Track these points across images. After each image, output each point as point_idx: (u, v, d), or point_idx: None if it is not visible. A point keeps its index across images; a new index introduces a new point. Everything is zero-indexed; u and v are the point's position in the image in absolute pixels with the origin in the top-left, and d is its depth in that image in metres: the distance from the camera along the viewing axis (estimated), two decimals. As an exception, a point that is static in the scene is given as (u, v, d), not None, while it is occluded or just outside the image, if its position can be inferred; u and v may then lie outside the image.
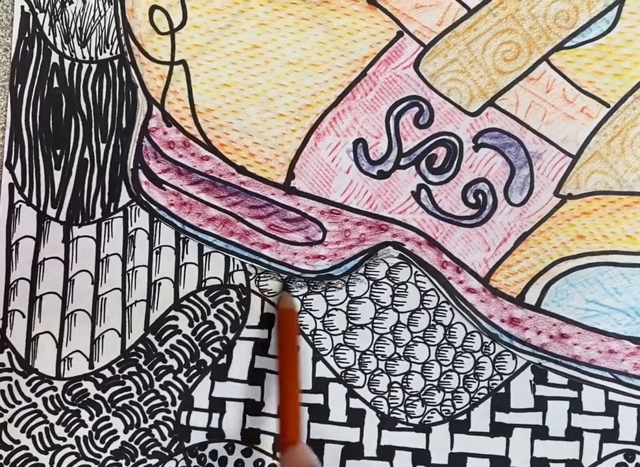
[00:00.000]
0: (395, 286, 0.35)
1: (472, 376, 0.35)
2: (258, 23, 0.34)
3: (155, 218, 0.35)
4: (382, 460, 0.36)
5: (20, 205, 0.36)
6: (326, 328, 0.36)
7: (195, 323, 0.36)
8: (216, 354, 0.36)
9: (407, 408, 0.36)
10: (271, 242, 0.35)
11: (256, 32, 0.34)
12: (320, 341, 0.36)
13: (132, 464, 0.36)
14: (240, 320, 0.36)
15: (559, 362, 0.35)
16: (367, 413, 0.36)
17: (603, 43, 0.34)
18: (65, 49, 0.35)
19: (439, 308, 0.35)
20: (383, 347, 0.36)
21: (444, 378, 0.36)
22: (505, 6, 0.34)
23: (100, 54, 0.35)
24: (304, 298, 0.36)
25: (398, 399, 0.36)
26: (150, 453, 0.36)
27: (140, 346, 0.36)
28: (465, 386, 0.35)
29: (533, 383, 0.35)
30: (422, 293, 0.35)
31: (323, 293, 0.36)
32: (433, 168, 0.35)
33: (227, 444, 0.36)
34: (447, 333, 0.35)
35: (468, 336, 0.35)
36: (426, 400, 0.36)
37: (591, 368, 0.35)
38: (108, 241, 0.36)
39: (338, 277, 0.35)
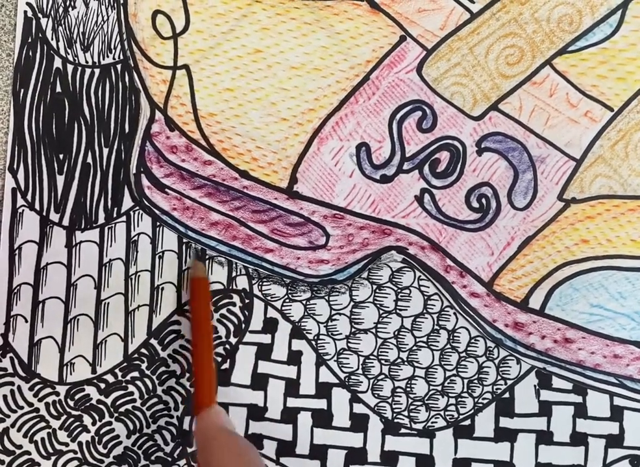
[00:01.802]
0: (399, 290, 0.35)
1: (476, 381, 0.35)
2: (261, 28, 0.34)
3: (158, 223, 0.35)
4: (386, 466, 0.36)
5: (23, 210, 0.36)
6: (329, 333, 0.36)
7: (198, 328, 0.36)
8: (219, 359, 0.36)
9: (411, 414, 0.35)
10: (274, 246, 0.35)
11: (259, 37, 0.34)
12: (323, 346, 0.36)
13: (134, 469, 0.36)
14: (243, 325, 0.36)
15: (563, 367, 0.35)
16: (370, 418, 0.36)
17: (607, 46, 0.34)
18: (68, 54, 0.35)
19: (442, 312, 0.35)
20: (387, 352, 0.36)
21: (448, 383, 0.35)
22: (509, 10, 0.34)
23: (103, 59, 0.35)
24: (308, 303, 0.36)
25: (401, 404, 0.36)
26: (153, 458, 0.36)
27: (143, 350, 0.36)
28: (469, 391, 0.35)
29: (537, 387, 0.35)
30: (425, 298, 0.35)
31: (326, 298, 0.36)
32: (437, 172, 0.35)
33: (230, 449, 0.36)
34: (451, 337, 0.35)
35: (472, 341, 0.35)
36: (430, 405, 0.35)
37: (596, 373, 0.35)
38: (110, 246, 0.36)
39: (341, 282, 0.35)
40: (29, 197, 0.36)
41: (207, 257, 0.35)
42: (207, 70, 0.34)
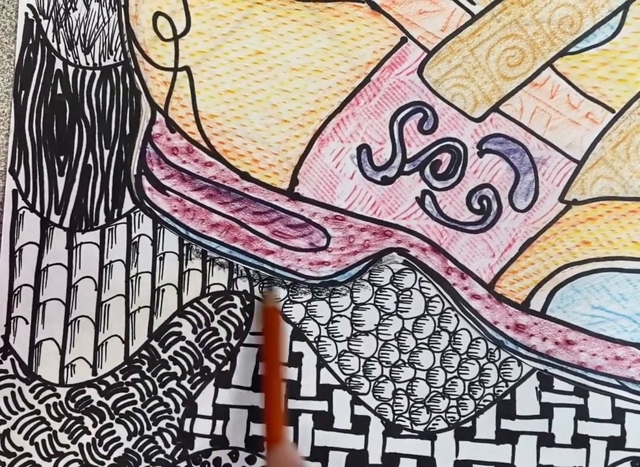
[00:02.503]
0: (400, 292, 0.35)
1: (477, 383, 0.35)
2: (262, 29, 0.34)
3: (159, 224, 0.35)
4: (387, 468, 0.36)
5: (24, 212, 0.36)
6: (330, 334, 0.36)
7: (199, 330, 0.36)
8: (220, 361, 0.36)
9: (412, 416, 0.35)
10: (275, 248, 0.35)
11: (260, 39, 0.34)
12: (324, 348, 0.36)
13: (135, 471, 0.36)
14: (244, 327, 0.36)
15: (565, 369, 0.35)
16: (371, 420, 0.36)
17: (608, 48, 0.34)
18: (69, 56, 0.35)
19: (443, 314, 0.35)
20: (388, 354, 0.36)
21: (450, 385, 0.35)
22: (509, 12, 0.34)
23: (104, 61, 0.35)
24: (308, 304, 0.36)
25: (403, 406, 0.35)
26: (153, 460, 0.36)
27: (144, 352, 0.36)
28: (470, 393, 0.35)
29: (538, 389, 0.35)
30: (426, 299, 0.35)
31: (327, 299, 0.35)
32: (438, 174, 0.35)
33: (231, 451, 0.36)
34: (452, 339, 0.35)
35: (474, 342, 0.35)
36: (431, 407, 0.35)
37: (597, 375, 0.35)
38: (111, 247, 0.36)
39: (342, 284, 0.35)
40: (30, 199, 0.36)
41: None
42: (208, 71, 0.34)
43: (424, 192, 0.35)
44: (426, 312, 0.35)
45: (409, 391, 0.35)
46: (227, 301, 0.36)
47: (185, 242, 0.35)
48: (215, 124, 0.35)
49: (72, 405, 0.36)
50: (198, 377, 0.36)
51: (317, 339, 0.36)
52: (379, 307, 0.35)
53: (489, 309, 0.35)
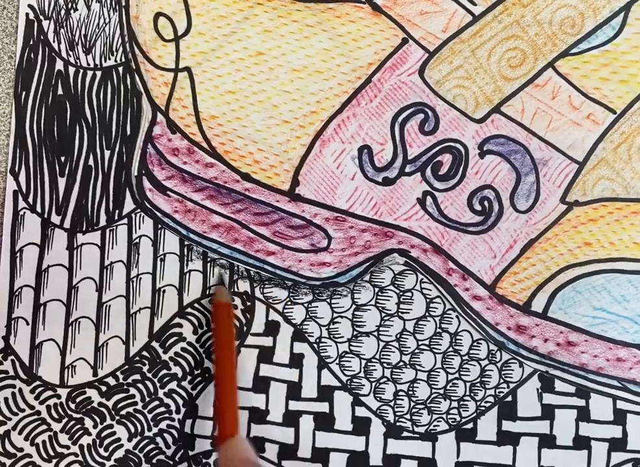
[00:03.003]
0: (401, 293, 0.35)
1: (478, 384, 0.35)
2: (263, 30, 0.34)
3: (159, 225, 0.35)
4: (388, 469, 0.36)
5: (24, 213, 0.36)
6: (331, 336, 0.36)
7: (200, 331, 0.36)
8: (220, 362, 0.35)
9: (413, 417, 0.35)
10: (276, 249, 0.35)
11: (261, 39, 0.34)
12: (325, 349, 0.35)
13: (136, 472, 0.36)
14: (245, 328, 0.36)
15: (566, 370, 0.35)
16: (372, 421, 0.35)
17: (609, 49, 0.34)
18: (70, 56, 0.35)
19: (445, 315, 0.35)
20: (389, 355, 0.35)
21: (451, 386, 0.35)
22: (511, 13, 0.34)
23: (105, 61, 0.35)
24: (309, 306, 0.35)
25: (404, 407, 0.35)
26: (154, 461, 0.36)
27: (144, 353, 0.35)
28: (472, 394, 0.35)
29: (540, 391, 0.35)
30: (428, 300, 0.35)
31: (328, 300, 0.35)
32: (439, 175, 0.35)
33: (232, 453, 0.36)
34: (453, 340, 0.35)
35: (475, 344, 0.35)
36: (432, 408, 0.35)
37: (599, 376, 0.35)
38: (112, 248, 0.35)
39: (343, 285, 0.35)
40: (30, 199, 0.36)
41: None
42: (209, 72, 0.34)
43: (426, 193, 0.35)
44: (427, 314, 0.35)
45: (410, 392, 0.35)
46: (228, 302, 0.36)
47: (186, 243, 0.35)
48: (216, 124, 0.35)
49: (72, 405, 0.36)
50: (199, 378, 0.36)
51: (318, 340, 0.36)
52: (380, 308, 0.35)
53: (490, 310, 0.35)
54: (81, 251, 0.36)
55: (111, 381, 0.36)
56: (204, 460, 0.36)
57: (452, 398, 0.35)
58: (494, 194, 0.35)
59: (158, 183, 0.35)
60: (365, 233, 0.35)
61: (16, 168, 0.36)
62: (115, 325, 0.35)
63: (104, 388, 0.36)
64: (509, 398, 0.35)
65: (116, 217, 0.35)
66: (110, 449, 0.36)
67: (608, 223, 0.34)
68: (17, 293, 0.36)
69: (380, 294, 0.35)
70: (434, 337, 0.35)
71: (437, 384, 0.35)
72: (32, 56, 0.35)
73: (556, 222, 0.34)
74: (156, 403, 0.36)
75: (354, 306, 0.35)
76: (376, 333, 0.35)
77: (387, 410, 0.35)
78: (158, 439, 0.36)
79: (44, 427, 0.36)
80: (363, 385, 0.35)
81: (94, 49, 0.35)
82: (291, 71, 0.34)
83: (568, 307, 0.35)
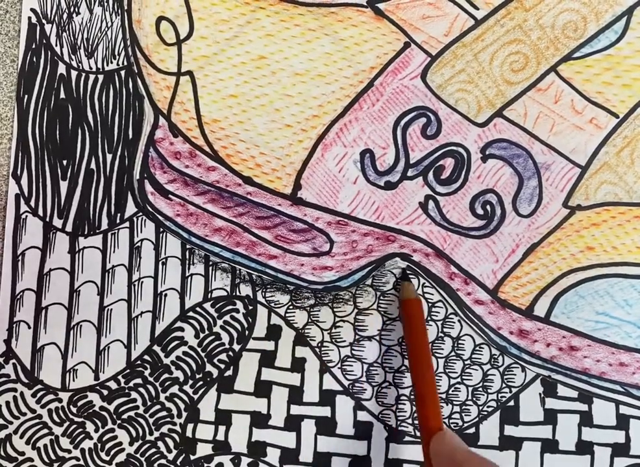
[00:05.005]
0: (403, 297, 0.35)
1: (480, 389, 0.35)
2: (265, 34, 0.34)
3: (161, 229, 0.35)
4: (390, 474, 0.35)
5: (26, 216, 0.36)
6: (333, 340, 0.35)
7: (201, 335, 0.36)
8: (222, 366, 0.35)
9: (415, 422, 0.35)
10: (278, 253, 0.35)
11: (263, 43, 0.34)
12: (327, 353, 0.35)
13: (137, 476, 0.36)
14: (246, 332, 0.35)
15: (568, 375, 0.35)
16: (374, 426, 0.35)
17: (612, 53, 0.33)
18: (72, 60, 0.35)
19: (447, 320, 0.35)
20: (391, 360, 0.35)
21: (453, 391, 0.35)
22: (513, 17, 0.34)
23: (107, 65, 0.35)
24: (311, 310, 0.35)
25: (406, 412, 0.35)
26: (155, 465, 0.36)
27: (146, 357, 0.35)
28: (474, 398, 0.35)
29: (542, 395, 0.35)
30: (430, 305, 0.35)
31: (330, 304, 0.35)
32: (441, 179, 0.34)
33: (233, 457, 0.35)
34: (455, 345, 0.35)
35: (477, 348, 0.35)
36: (435, 413, 0.35)
37: (602, 381, 0.35)
38: (114, 252, 0.35)
39: (345, 289, 0.35)
40: (32, 203, 0.36)
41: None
42: (211, 76, 0.34)
43: (428, 198, 0.35)
44: (429, 318, 0.35)
45: (413, 397, 0.35)
46: (230, 306, 0.35)
47: (187, 246, 0.35)
48: (218, 128, 0.35)
49: (74, 409, 0.36)
50: (201, 382, 0.35)
51: (320, 344, 0.35)
52: (382, 312, 0.35)
53: (492, 315, 0.35)
54: (83, 255, 0.36)
55: (113, 385, 0.36)
56: (205, 465, 0.36)
57: (454, 403, 0.35)
58: (496, 198, 0.34)
59: (159, 187, 0.35)
60: (367, 237, 0.35)
61: (18, 172, 0.36)
62: (117, 329, 0.35)
63: (105, 392, 0.36)
64: (512, 403, 0.35)
65: (118, 221, 0.35)
66: (112, 453, 0.36)
67: (611, 227, 0.34)
68: (18, 297, 0.36)
69: (382, 298, 0.35)
70: (436, 341, 0.35)
71: (439, 389, 0.35)
72: (34, 59, 0.35)
73: (559, 226, 0.34)
74: (158, 407, 0.36)
75: (355, 310, 0.35)
76: (378, 337, 0.35)
77: (389, 414, 0.35)
78: (160, 443, 0.36)
79: (45, 430, 0.36)
80: (365, 389, 0.35)
81: (96, 53, 0.35)
82: (294, 75, 0.34)
83: (571, 312, 0.35)
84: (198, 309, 0.36)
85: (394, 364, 0.35)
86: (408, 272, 0.34)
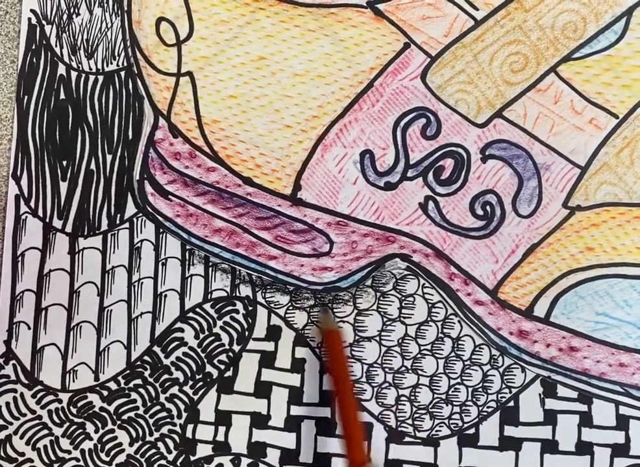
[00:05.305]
0: (403, 298, 0.35)
1: (480, 389, 0.35)
2: (265, 35, 0.34)
3: (161, 230, 0.35)
4: (390, 474, 0.35)
5: (26, 217, 0.36)
6: (333, 340, 0.35)
7: (201, 336, 0.36)
8: (222, 366, 0.35)
9: (415, 422, 0.35)
10: (278, 253, 0.35)
11: (263, 44, 0.34)
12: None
13: (137, 477, 0.36)
14: (246, 332, 0.35)
15: (568, 376, 0.35)
16: (374, 426, 0.35)
17: (612, 54, 0.33)
18: (72, 61, 0.35)
19: (447, 320, 0.35)
20: (391, 360, 0.35)
21: (453, 391, 0.35)
22: (513, 18, 0.34)
23: (107, 66, 0.35)
24: (311, 310, 0.35)
25: (406, 412, 0.35)
26: (155, 466, 0.36)
27: (146, 358, 0.35)
28: (474, 399, 0.35)
29: (542, 396, 0.35)
30: (430, 305, 0.35)
31: (330, 305, 0.35)
32: (441, 179, 0.34)
33: (233, 458, 0.35)
34: (455, 345, 0.35)
35: (477, 349, 0.35)
36: (434, 413, 0.35)
37: (601, 382, 0.35)
38: (113, 253, 0.35)
39: (345, 289, 0.35)
40: (32, 204, 0.36)
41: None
42: (210, 77, 0.34)
43: (427, 198, 0.35)
44: (429, 318, 0.35)
45: (412, 397, 0.35)
46: (229, 307, 0.35)
47: (187, 247, 0.35)
48: (218, 129, 0.35)
49: (74, 410, 0.36)
50: (201, 383, 0.35)
51: (319, 345, 0.35)
52: (382, 313, 0.35)
53: (492, 315, 0.35)
54: (82, 256, 0.36)
55: (113, 386, 0.36)
56: (205, 465, 0.35)
57: (454, 403, 0.35)
58: (496, 198, 0.34)
59: (159, 188, 0.35)
60: (367, 237, 0.35)
61: (18, 173, 0.36)
62: (117, 330, 0.35)
63: (105, 393, 0.36)
64: (512, 403, 0.35)
65: (118, 221, 0.35)
66: (112, 454, 0.36)
67: (610, 228, 0.34)
68: (18, 297, 0.36)
69: (381, 298, 0.35)
70: (436, 342, 0.35)
71: (439, 389, 0.35)
72: (34, 60, 0.35)
73: (558, 226, 0.34)
74: (158, 407, 0.36)
75: (355, 311, 0.35)
76: (377, 338, 0.35)
77: (389, 415, 0.35)
78: (160, 444, 0.36)
79: (45, 431, 0.36)
80: (365, 390, 0.35)
81: (96, 54, 0.35)
82: (293, 76, 0.34)
83: (571, 312, 0.35)
84: (198, 309, 0.36)
85: (394, 365, 0.35)
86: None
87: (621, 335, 0.34)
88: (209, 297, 0.35)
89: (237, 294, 0.35)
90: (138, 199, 0.35)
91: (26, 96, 0.35)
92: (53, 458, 0.36)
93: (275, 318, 0.35)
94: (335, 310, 0.35)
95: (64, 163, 0.35)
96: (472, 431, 0.35)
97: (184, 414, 0.35)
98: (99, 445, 0.36)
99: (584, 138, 0.34)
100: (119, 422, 0.36)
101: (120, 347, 0.35)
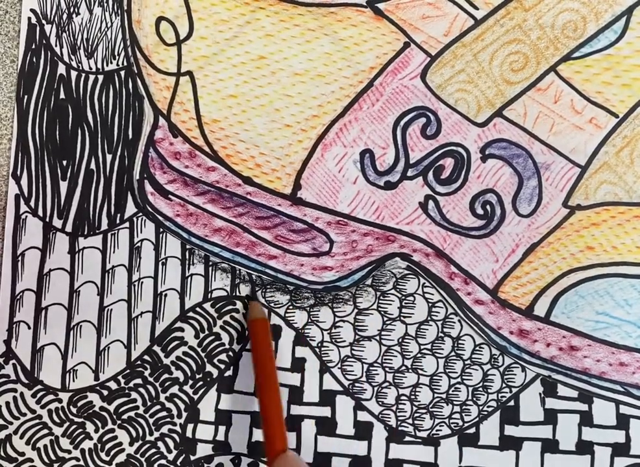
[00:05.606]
0: (403, 297, 0.35)
1: (481, 389, 0.35)
2: (265, 34, 0.34)
3: (161, 229, 0.35)
4: (390, 474, 0.35)
5: (26, 216, 0.36)
6: (333, 340, 0.35)
7: (201, 335, 0.35)
8: (222, 366, 0.35)
9: (416, 422, 0.35)
10: (278, 253, 0.35)
11: (263, 43, 0.34)
12: (327, 353, 0.35)
13: (137, 477, 0.36)
14: (246, 332, 0.35)
15: (569, 375, 0.35)
16: (374, 426, 0.35)
17: (612, 53, 0.33)
18: (72, 60, 0.35)
19: (447, 320, 0.35)
20: (391, 360, 0.35)
21: (453, 391, 0.35)
22: (513, 17, 0.34)
23: (107, 65, 0.35)
24: (311, 310, 0.35)
25: (406, 412, 0.35)
26: (155, 466, 0.36)
27: (146, 357, 0.35)
28: (474, 399, 0.35)
29: (542, 395, 0.35)
30: (430, 305, 0.35)
31: (330, 305, 0.35)
32: (441, 179, 0.34)
33: (233, 457, 0.35)
34: (455, 345, 0.35)
35: (477, 348, 0.35)
36: (435, 413, 0.35)
37: (602, 381, 0.35)
38: (113, 252, 0.35)
39: (345, 289, 0.35)
40: (32, 203, 0.36)
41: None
42: (210, 76, 0.34)
43: (427, 197, 0.35)
44: (429, 318, 0.35)
45: (413, 397, 0.35)
46: (230, 306, 0.35)
47: (187, 247, 0.35)
48: (218, 128, 0.35)
49: (74, 410, 0.36)
50: (201, 383, 0.35)
51: (319, 345, 0.35)
52: (382, 312, 0.35)
53: (492, 315, 0.35)
54: (82, 255, 0.36)
55: (113, 385, 0.36)
56: (205, 465, 0.35)
57: (455, 403, 0.35)
58: (496, 198, 0.34)
59: (159, 187, 0.35)
60: (367, 237, 0.35)
61: (18, 172, 0.36)
62: (117, 329, 0.35)
63: (105, 393, 0.36)
64: (512, 403, 0.35)
65: (118, 221, 0.35)
66: (112, 453, 0.36)
67: (611, 227, 0.34)
68: (18, 297, 0.36)
69: (381, 298, 0.35)
70: (436, 341, 0.35)
71: (439, 389, 0.35)
72: (34, 60, 0.35)
73: (559, 226, 0.34)
74: (158, 407, 0.36)
75: (355, 310, 0.35)
76: (378, 337, 0.35)
77: (389, 414, 0.35)
78: (160, 443, 0.36)
79: (45, 431, 0.36)
80: (365, 390, 0.35)
81: (96, 53, 0.35)
82: (293, 75, 0.34)
83: (571, 312, 0.35)
84: (198, 309, 0.36)
85: (395, 364, 0.35)
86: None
87: (621, 334, 0.34)
88: (209, 296, 0.35)
89: (237, 294, 0.35)
90: (138, 199, 0.35)
91: (26, 96, 0.35)
92: (53, 457, 0.36)
93: (275, 318, 0.35)
94: (335, 309, 0.35)
95: (64, 162, 0.35)
96: (472, 430, 0.35)
97: (184, 414, 0.35)
98: (99, 445, 0.36)
99: (584, 137, 0.34)
100: (119, 422, 0.36)
101: (120, 347, 0.35)
